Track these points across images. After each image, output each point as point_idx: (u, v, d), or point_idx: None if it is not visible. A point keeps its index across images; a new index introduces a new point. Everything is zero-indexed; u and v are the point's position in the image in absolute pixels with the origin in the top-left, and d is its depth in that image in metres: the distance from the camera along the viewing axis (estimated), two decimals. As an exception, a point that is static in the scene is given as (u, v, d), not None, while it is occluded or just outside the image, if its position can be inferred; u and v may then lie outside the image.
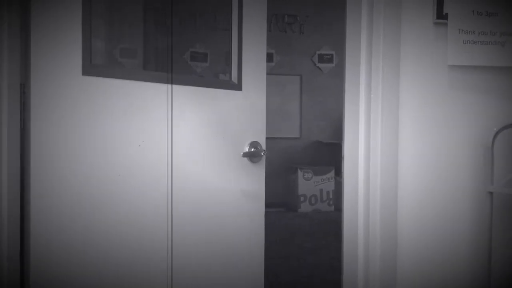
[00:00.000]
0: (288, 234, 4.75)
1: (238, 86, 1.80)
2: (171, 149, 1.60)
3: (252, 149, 1.86)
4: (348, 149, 1.99)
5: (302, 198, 6.13)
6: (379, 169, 1.86)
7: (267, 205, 6.50)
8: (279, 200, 6.55)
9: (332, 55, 6.68)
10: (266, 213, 5.77)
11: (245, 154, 1.82)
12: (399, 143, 1.87)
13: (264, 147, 1.92)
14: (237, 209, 1.85)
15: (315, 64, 6.65)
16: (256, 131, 1.89)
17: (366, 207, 1.93)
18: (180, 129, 1.64)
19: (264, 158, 1.92)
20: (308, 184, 6.14)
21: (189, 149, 1.68)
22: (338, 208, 6.20)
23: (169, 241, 1.60)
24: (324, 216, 5.81)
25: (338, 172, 6.25)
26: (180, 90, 1.63)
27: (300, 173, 6.12)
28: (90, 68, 1.42)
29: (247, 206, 1.90)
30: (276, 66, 6.54)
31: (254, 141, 1.87)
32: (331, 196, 6.19)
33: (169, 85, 1.59)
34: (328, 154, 6.69)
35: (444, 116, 1.90)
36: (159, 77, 1.59)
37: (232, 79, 1.81)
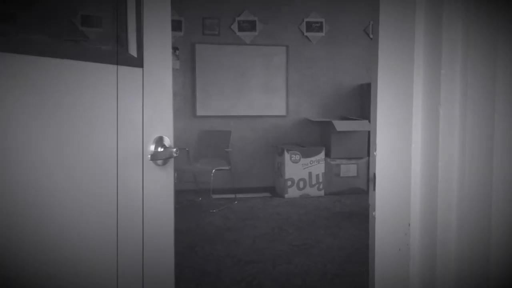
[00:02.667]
0: (273, 227, 4.20)
1: (138, 61, 1.21)
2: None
3: (159, 148, 1.29)
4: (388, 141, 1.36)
5: (289, 183, 5.57)
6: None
7: (251, 190, 5.76)
8: (264, 184, 5.98)
9: (321, 23, 6.00)
10: (250, 199, 5.09)
11: (152, 157, 1.23)
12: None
13: (172, 143, 1.32)
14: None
15: (303, 34, 5.98)
16: (163, 123, 1.37)
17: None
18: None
19: (173, 160, 1.34)
20: (296, 167, 5.57)
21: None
22: (329, 193, 5.67)
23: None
24: (314, 202, 5.27)
25: (328, 153, 5.69)
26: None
27: (287, 155, 5.54)
28: None
29: (148, 231, 1.31)
30: (259, 36, 5.85)
31: (160, 137, 1.32)
32: (321, 180, 5.64)
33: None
34: (317, 134, 6.10)
35: None
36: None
37: (130, 52, 1.20)
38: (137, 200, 1.25)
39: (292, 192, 5.58)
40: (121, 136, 1.17)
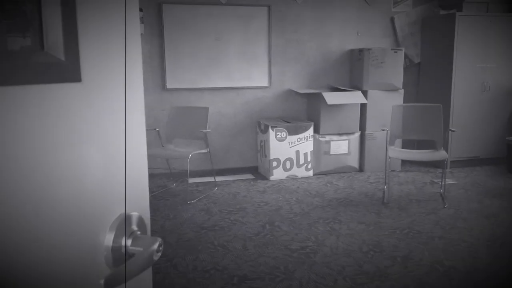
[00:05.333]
0: (264, 223, 3.63)
1: (72, 73, 0.57)
2: None
3: (128, 243, 0.66)
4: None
5: (274, 163, 4.97)
6: None
7: (232, 171, 4.99)
8: (246, 164, 5.37)
9: (307, -21, 5.25)
10: (232, 184, 4.42)
11: (110, 263, 0.60)
12: None
13: (149, 226, 0.69)
14: None
15: (286, -8, 5.22)
16: (133, 190, 0.70)
17: None
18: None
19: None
20: (282, 145, 4.96)
21: None
22: (318, 173, 5.12)
23: None
24: (303, 185, 4.72)
25: (317, 129, 5.10)
26: None
27: (272, 132, 4.91)
28: None
29: None
30: (237, -5, 5.06)
31: (132, 216, 0.68)
32: (309, 159, 5.07)
33: None
34: (304, 107, 5.48)
35: None
36: None
37: (50, 52, 0.53)
38: None
39: (278, 174, 5.00)
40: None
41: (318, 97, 5.04)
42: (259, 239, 3.30)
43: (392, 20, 5.56)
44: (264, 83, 5.31)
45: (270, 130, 4.91)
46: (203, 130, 4.37)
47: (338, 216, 3.78)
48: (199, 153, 4.40)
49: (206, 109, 4.53)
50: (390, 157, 4.15)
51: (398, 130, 4.37)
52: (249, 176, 5.15)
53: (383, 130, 4.42)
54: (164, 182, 4.86)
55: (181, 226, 3.57)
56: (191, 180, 4.89)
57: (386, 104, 5.11)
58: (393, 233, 3.40)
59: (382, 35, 5.55)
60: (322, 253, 3.05)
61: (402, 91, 5.26)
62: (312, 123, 5.08)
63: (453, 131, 4.36)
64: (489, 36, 5.27)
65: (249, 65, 5.23)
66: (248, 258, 2.99)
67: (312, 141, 5.07)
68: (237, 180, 4.99)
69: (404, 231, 3.44)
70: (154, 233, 3.40)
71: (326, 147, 5.15)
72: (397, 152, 4.37)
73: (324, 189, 4.59)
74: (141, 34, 4.91)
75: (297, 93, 5.30)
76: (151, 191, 4.52)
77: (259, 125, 5.19)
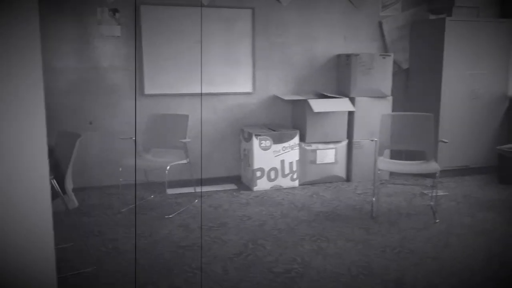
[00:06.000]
0: (246, 241, 3.38)
1: None
2: None
3: None
4: None
5: (258, 173, 4.74)
6: None
7: (214, 181, 4.69)
8: (228, 173, 5.13)
9: (293, -19, 5.03)
10: (213, 195, 4.12)
11: None
12: None
13: None
14: None
15: (271, -6, 4.99)
16: None
17: None
18: None
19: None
20: (266, 155, 4.73)
21: None
22: (303, 183, 4.90)
23: None
24: (289, 197, 4.49)
25: (303, 137, 4.88)
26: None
27: (255, 141, 4.68)
28: None
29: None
30: (219, -4, 4.81)
31: None
32: (294, 169, 4.85)
33: None
34: (289, 114, 5.25)
35: None
36: None
37: None
38: None
39: (262, 184, 4.76)
40: None
41: (304, 104, 4.82)
42: (241, 260, 3.06)
43: (380, 24, 5.37)
44: (248, 88, 5.08)
45: (254, 138, 4.67)
46: (183, 140, 4.11)
47: (325, 233, 3.56)
48: (178, 164, 4.13)
49: (186, 116, 4.27)
50: (380, 169, 3.95)
51: (387, 140, 4.18)
52: (231, 186, 4.91)
53: (372, 140, 4.22)
54: (141, 193, 4.58)
55: (157, 245, 3.31)
56: (170, 191, 4.62)
57: (373, 111, 4.92)
58: (383, 252, 3.20)
59: (370, 40, 5.36)
60: (309, 277, 2.82)
61: (390, 98, 5.07)
62: (298, 131, 4.85)
63: (445, 142, 4.18)
64: (479, 42, 5.12)
65: (231, 70, 4.98)
66: (228, 283, 2.75)
67: (298, 150, 4.85)
68: (219, 191, 4.74)
69: (395, 250, 3.24)
70: (126, 256, 3.14)
71: (312, 156, 4.93)
72: (387, 164, 4.17)
73: (310, 201, 4.37)
74: (117, 36, 4.64)
75: (282, 99, 5.08)
76: (126, 203, 4.24)
77: (243, 133, 4.95)
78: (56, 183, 2.66)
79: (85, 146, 4.56)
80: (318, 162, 4.96)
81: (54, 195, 2.70)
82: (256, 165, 4.72)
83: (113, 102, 4.67)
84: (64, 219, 3.08)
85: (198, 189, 4.67)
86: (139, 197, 4.48)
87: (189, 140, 4.26)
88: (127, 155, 4.32)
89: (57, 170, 2.76)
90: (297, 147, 4.85)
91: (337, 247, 3.29)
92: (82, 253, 3.15)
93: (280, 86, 5.17)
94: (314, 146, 4.93)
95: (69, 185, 2.86)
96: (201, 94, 4.86)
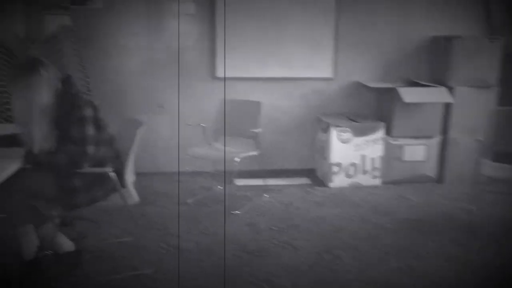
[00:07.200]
0: (319, 249, 2.95)
1: None
2: None
3: None
4: None
5: (335, 168, 4.26)
6: None
7: (285, 173, 4.02)
8: (302, 165, 4.70)
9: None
10: (284, 190, 3.53)
11: None
12: None
13: None
14: None
15: (360, -34, 4.41)
16: None
17: None
18: None
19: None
20: (345, 148, 4.23)
21: None
22: (387, 181, 4.35)
23: None
24: (369, 198, 3.98)
25: (389, 131, 4.31)
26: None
27: (334, 132, 4.19)
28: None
29: None
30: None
31: None
32: (377, 165, 4.31)
33: None
34: (374, 104, 4.68)
35: None
36: None
37: None
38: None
39: (339, 180, 4.28)
40: None
41: (392, 92, 4.23)
42: (314, 276, 2.64)
43: (487, 1, 4.58)
44: (328, 73, 4.57)
45: (332, 129, 4.19)
46: (254, 130, 3.74)
47: (415, 247, 3.02)
48: (248, 155, 3.77)
49: (258, 103, 3.89)
50: (484, 174, 3.31)
51: (494, 141, 3.50)
52: (305, 180, 4.48)
53: (476, 140, 3.56)
54: (208, 183, 4.30)
55: (220, 246, 2.98)
56: (238, 183, 4.30)
57: (475, 104, 4.22)
58: (488, 278, 2.62)
59: (474, 20, 4.60)
60: (396, 305, 2.35)
61: (496, 89, 4.32)
62: (383, 123, 4.29)
63: None
64: None
65: (311, 53, 4.50)
66: (299, 303, 2.35)
67: (382, 144, 4.29)
68: (291, 185, 4.33)
69: (502, 275, 2.64)
70: (186, 252, 2.85)
71: (399, 152, 4.35)
72: (494, 169, 3.51)
73: (394, 205, 3.83)
74: (191, 14, 4.34)
75: (366, 87, 4.51)
76: (193, 193, 3.98)
77: (320, 123, 4.47)
78: (115, 176, 2.40)
79: (155, 130, 4.36)
80: (405, 159, 4.37)
81: (112, 189, 2.44)
82: (333, 159, 4.24)
83: (185, 84, 4.39)
84: (124, 209, 2.85)
85: (268, 182, 4.30)
86: (205, 187, 4.20)
87: (260, 130, 3.87)
88: (195, 142, 4.03)
89: (117, 161, 2.51)
90: (381, 142, 4.29)
91: (431, 266, 2.76)
92: (140, 250, 2.90)
93: (364, 72, 4.60)
94: (401, 141, 4.34)
95: (130, 178, 2.60)
96: (224, 79, 4.45)
